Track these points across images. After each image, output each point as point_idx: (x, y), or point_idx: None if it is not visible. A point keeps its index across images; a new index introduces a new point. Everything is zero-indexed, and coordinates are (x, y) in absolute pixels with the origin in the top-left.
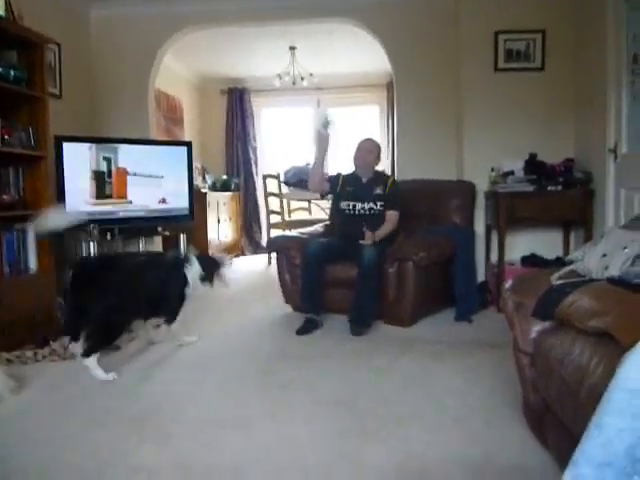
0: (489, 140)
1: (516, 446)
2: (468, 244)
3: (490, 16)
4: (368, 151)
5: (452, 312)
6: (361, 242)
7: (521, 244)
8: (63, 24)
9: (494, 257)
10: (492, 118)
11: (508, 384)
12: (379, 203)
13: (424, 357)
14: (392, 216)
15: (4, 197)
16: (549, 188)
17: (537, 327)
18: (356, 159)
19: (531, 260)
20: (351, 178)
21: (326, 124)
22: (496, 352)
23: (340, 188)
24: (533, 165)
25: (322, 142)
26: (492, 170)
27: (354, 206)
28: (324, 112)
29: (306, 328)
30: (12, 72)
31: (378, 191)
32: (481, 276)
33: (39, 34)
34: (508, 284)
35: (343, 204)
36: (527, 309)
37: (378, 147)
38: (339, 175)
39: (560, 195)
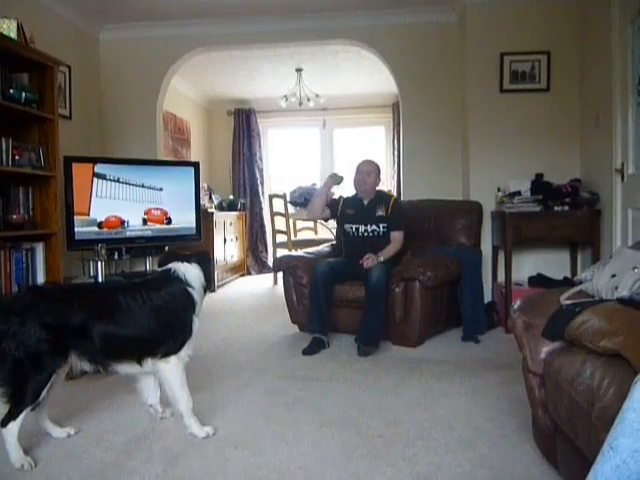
0: (495, 160)
1: (525, 468)
2: (475, 264)
3: (495, 38)
4: (367, 173)
5: (459, 332)
6: (361, 262)
7: (528, 264)
8: (73, 47)
9: (501, 277)
10: (498, 138)
11: (516, 405)
12: (382, 225)
13: (431, 378)
14: (397, 236)
15: (13, 217)
16: (556, 208)
17: (547, 347)
18: (356, 182)
19: (538, 280)
20: (352, 200)
21: (339, 181)
22: (503, 372)
23: (340, 211)
24: (539, 185)
25: (334, 181)
26: (499, 190)
27: (357, 229)
28: (336, 174)
29: (313, 348)
30: (24, 94)
31: (380, 213)
32: (488, 296)
33: (50, 57)
34: (517, 304)
35: (346, 226)
36: (536, 329)
37: (377, 167)
38: (340, 198)
39: (567, 215)
